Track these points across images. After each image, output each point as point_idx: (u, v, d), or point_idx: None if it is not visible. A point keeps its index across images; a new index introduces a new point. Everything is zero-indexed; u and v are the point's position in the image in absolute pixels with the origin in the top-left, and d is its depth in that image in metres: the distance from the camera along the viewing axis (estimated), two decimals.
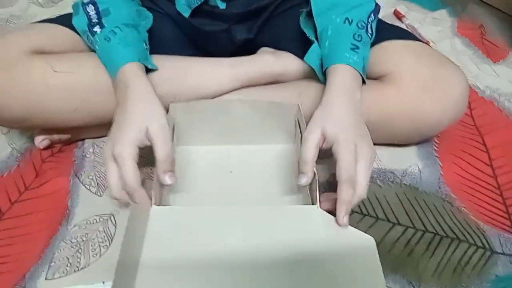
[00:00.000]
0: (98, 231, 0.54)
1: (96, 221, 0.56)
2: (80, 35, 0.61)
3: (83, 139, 0.69)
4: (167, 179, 0.49)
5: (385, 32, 0.62)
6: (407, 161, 0.64)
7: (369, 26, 0.57)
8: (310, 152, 0.48)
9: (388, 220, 0.56)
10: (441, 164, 0.63)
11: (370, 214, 0.56)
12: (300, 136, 0.56)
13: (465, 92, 0.58)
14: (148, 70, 0.58)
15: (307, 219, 0.46)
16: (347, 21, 0.56)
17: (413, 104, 0.57)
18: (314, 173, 0.48)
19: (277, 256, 0.43)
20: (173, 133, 0.58)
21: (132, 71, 0.54)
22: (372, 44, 0.59)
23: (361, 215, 0.56)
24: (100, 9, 0.57)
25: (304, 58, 0.60)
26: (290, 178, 0.58)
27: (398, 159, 0.64)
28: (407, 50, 0.60)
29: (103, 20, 0.57)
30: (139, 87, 0.53)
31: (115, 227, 0.55)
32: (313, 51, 0.59)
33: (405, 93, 0.57)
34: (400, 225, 0.55)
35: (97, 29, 0.56)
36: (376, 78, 0.61)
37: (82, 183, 0.61)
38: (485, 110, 0.74)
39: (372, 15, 0.58)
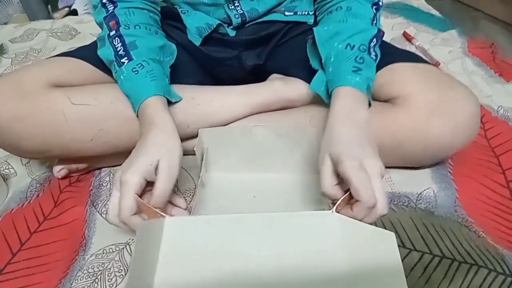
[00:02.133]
0: (114, 260, 0.55)
1: (112, 250, 0.56)
2: (99, 67, 0.64)
3: (100, 168, 0.71)
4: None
5: (393, 55, 0.63)
6: (421, 184, 0.63)
7: (371, 49, 0.58)
8: (328, 183, 0.47)
9: (404, 246, 0.55)
10: (456, 187, 0.62)
11: None
12: None
13: (475, 113, 0.58)
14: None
15: (324, 225, 0.45)
16: (348, 46, 0.57)
17: (422, 128, 0.57)
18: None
19: (293, 265, 0.42)
20: (202, 158, 0.62)
21: (157, 104, 0.56)
22: (380, 67, 0.60)
23: None
24: (126, 42, 0.59)
25: (310, 86, 0.61)
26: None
27: (412, 182, 0.63)
28: (415, 73, 0.61)
29: (132, 53, 0.59)
30: (162, 120, 0.55)
31: (131, 256, 0.55)
32: (318, 78, 0.60)
33: (414, 116, 0.57)
34: (416, 251, 0.54)
35: (125, 60, 0.58)
36: (386, 101, 0.61)
37: (98, 212, 0.62)
38: (499, 130, 0.73)
39: (374, 39, 0.58)
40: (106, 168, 0.70)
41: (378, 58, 0.59)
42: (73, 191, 0.66)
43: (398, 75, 0.61)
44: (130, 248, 0.57)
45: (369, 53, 0.57)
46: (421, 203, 0.60)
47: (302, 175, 0.64)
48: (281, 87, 0.68)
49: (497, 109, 0.78)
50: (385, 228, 0.56)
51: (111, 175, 0.69)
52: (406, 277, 0.50)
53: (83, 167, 0.69)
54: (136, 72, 0.58)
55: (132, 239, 0.57)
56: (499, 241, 0.55)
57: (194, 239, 0.45)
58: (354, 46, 0.57)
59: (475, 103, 0.58)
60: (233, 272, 0.42)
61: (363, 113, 0.53)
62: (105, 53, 0.61)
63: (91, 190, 0.67)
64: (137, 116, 0.58)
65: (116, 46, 0.59)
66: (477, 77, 0.88)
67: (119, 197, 0.48)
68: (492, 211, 0.59)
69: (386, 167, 0.63)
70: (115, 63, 0.59)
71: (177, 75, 0.66)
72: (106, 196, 0.65)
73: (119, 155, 0.66)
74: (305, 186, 0.63)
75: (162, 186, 0.49)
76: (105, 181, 0.68)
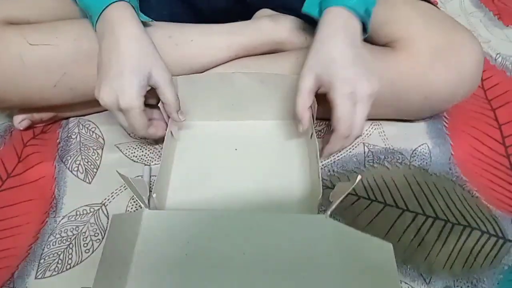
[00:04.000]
0: (89, 223, 0.51)
1: (87, 212, 0.52)
2: None
3: (68, 118, 0.64)
4: (181, 117, 0.53)
5: None
6: (416, 140, 0.60)
7: None
8: (304, 102, 0.49)
9: (397, 206, 0.53)
10: (451, 143, 0.60)
11: (378, 199, 0.53)
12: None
13: (480, 60, 0.54)
14: None
15: (315, 229, 0.41)
16: None
17: (425, 74, 0.53)
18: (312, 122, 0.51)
19: (281, 270, 0.38)
20: None
21: (123, 9, 0.48)
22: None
23: (368, 201, 0.53)
24: None
25: (302, 9, 0.53)
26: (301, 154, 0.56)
27: (406, 138, 0.60)
28: (417, 12, 0.55)
29: None
30: (133, 26, 0.48)
31: (108, 218, 0.51)
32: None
33: (417, 62, 0.53)
34: (409, 211, 0.52)
35: None
36: (384, 44, 0.56)
37: (68, 169, 0.57)
38: (497, 80, 0.69)
39: None
40: (74, 118, 0.63)
41: None
42: (38, 144, 0.60)
43: (398, 13, 0.55)
44: (106, 209, 0.52)
45: None
46: (415, 160, 0.58)
47: (284, 122, 0.60)
48: (269, 27, 0.60)
49: (495, 57, 0.74)
50: (378, 187, 0.55)
51: (80, 125, 0.62)
52: (400, 238, 0.50)
53: (48, 117, 0.62)
54: None
55: (108, 199, 0.53)
56: (493, 201, 0.54)
57: (174, 235, 0.40)
58: None
59: (479, 50, 0.54)
60: (215, 276, 0.38)
61: (358, 37, 0.48)
62: None
63: (59, 143, 0.60)
64: (95, 29, 0.50)
65: None
66: (476, 19, 0.83)
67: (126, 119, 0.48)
68: (487, 169, 0.57)
69: (381, 119, 0.61)
70: None
71: (147, 2, 0.57)
72: (76, 151, 0.59)
73: (87, 103, 0.60)
74: (287, 133, 0.59)
75: (172, 93, 0.50)
76: (74, 133, 0.61)
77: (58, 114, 0.62)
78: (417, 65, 0.53)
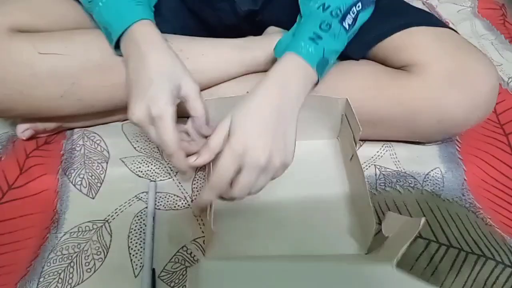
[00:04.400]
0: (92, 240, 0.49)
1: (89, 228, 0.50)
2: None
3: (72, 129, 0.62)
4: (209, 130, 0.47)
5: (408, 14, 0.57)
6: (428, 163, 0.59)
7: (348, 16, 0.49)
8: (212, 135, 0.45)
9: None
10: (464, 168, 0.59)
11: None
12: (346, 131, 0.54)
13: (495, 86, 0.53)
14: None
15: (382, 281, 0.39)
16: (321, 7, 0.48)
17: (439, 99, 0.52)
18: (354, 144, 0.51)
19: None
20: None
21: (147, 27, 0.48)
22: (396, 28, 0.54)
23: (380, 226, 0.52)
24: None
25: (274, 49, 0.53)
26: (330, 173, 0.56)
27: (418, 161, 0.59)
28: (434, 38, 0.55)
29: None
30: (159, 40, 0.47)
31: (111, 236, 0.49)
32: (282, 42, 0.52)
33: (431, 86, 0.52)
34: (422, 238, 0.51)
35: None
36: (400, 68, 0.55)
37: (72, 182, 0.55)
38: (510, 104, 0.68)
39: (359, 4, 0.50)
40: (79, 129, 0.62)
41: (355, 29, 0.51)
42: (42, 155, 0.58)
43: (415, 40, 0.54)
44: (109, 225, 0.50)
45: (342, 20, 0.48)
46: (427, 184, 0.56)
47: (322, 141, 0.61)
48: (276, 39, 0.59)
49: (507, 81, 0.73)
50: (389, 210, 0.53)
51: (85, 137, 0.61)
52: (412, 266, 0.48)
53: (53, 127, 0.60)
54: None
55: (111, 216, 0.51)
56: (506, 230, 0.52)
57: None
58: (328, 7, 0.48)
59: (495, 75, 0.53)
60: None
61: (298, 88, 0.46)
62: None
63: (63, 155, 0.59)
64: (116, 46, 0.49)
65: None
66: (487, 42, 0.82)
67: (158, 133, 0.44)
68: (500, 196, 0.56)
69: (393, 141, 0.60)
70: None
71: (159, 15, 0.56)
72: (80, 164, 0.57)
73: (95, 114, 0.59)
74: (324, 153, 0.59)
75: (201, 106, 0.47)
76: (78, 145, 0.60)
77: (63, 125, 0.61)
78: (431, 89, 0.52)
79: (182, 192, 0.54)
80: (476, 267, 0.48)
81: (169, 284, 0.45)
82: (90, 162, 0.57)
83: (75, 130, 0.62)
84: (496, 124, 0.65)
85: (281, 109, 0.44)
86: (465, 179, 0.57)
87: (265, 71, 0.59)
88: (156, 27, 0.49)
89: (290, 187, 0.53)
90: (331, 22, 0.48)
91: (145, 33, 0.47)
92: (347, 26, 0.49)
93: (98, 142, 0.60)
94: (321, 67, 0.48)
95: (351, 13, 0.49)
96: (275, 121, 0.43)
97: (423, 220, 0.40)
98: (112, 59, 0.51)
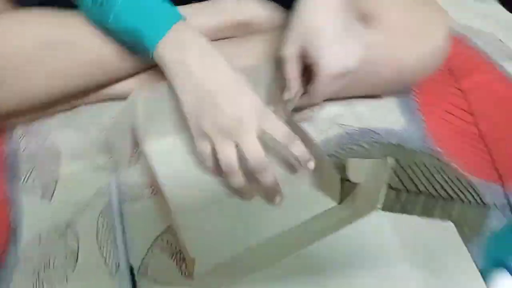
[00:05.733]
0: (58, 248, 0.45)
1: (52, 235, 0.46)
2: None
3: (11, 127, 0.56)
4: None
5: None
6: (389, 117, 0.60)
7: None
8: (292, 68, 0.46)
9: None
10: (423, 117, 0.60)
11: None
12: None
13: (448, 34, 0.54)
14: None
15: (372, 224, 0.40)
16: None
17: (396, 47, 0.52)
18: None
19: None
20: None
21: (190, 29, 0.44)
22: None
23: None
24: None
25: None
26: None
27: (379, 116, 0.60)
28: None
29: None
30: (211, 47, 0.44)
31: (77, 240, 0.46)
32: None
33: (388, 34, 0.52)
34: (392, 189, 0.52)
35: None
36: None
37: (22, 187, 0.50)
38: (457, 49, 0.70)
39: None
40: (18, 127, 0.56)
41: None
42: None
43: None
44: (74, 228, 0.47)
45: None
46: (391, 137, 0.57)
47: None
48: (233, 7, 0.56)
49: (453, 26, 0.74)
50: None
51: (28, 135, 0.55)
52: None
53: None
54: None
55: (74, 217, 0.47)
56: (469, 170, 0.55)
57: None
58: None
59: (448, 23, 0.54)
60: None
61: None
62: None
63: (6, 159, 0.53)
64: (152, 55, 0.44)
65: None
66: None
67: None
68: (459, 139, 0.58)
69: (351, 98, 0.60)
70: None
71: None
72: (28, 165, 0.52)
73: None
74: None
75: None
76: (21, 145, 0.54)
77: None
78: (387, 38, 0.52)
79: (145, 180, 0.51)
80: (446, 210, 0.50)
81: (149, 277, 0.43)
82: (39, 161, 0.52)
83: (14, 129, 0.56)
84: (446, 69, 0.67)
85: (341, 8, 0.44)
86: (425, 128, 0.59)
87: (219, 38, 0.57)
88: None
89: None
90: None
91: (196, 36, 0.43)
92: None
93: (44, 137, 0.55)
94: None
95: None
96: (345, 22, 0.45)
97: (391, 160, 0.41)
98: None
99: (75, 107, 0.57)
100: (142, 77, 0.54)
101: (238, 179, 0.44)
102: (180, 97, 0.43)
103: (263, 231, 0.44)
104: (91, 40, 0.48)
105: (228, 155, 0.42)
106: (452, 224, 0.40)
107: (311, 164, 0.44)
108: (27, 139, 0.55)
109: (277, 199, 0.46)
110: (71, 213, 0.48)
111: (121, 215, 0.47)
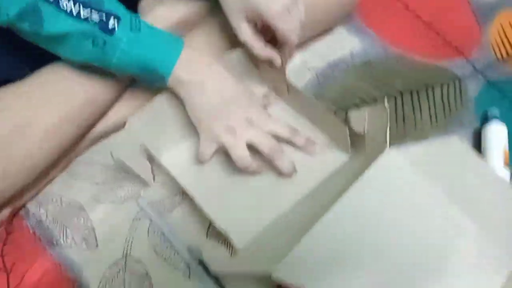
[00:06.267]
0: (128, 279, 0.47)
1: (116, 271, 0.48)
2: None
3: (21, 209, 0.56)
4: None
5: None
6: (346, 45, 0.65)
7: None
8: (259, 46, 0.47)
9: (365, 101, 0.58)
10: (374, 31, 0.66)
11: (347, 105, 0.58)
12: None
13: None
14: None
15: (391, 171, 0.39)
16: None
17: None
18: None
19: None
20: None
21: (191, 49, 0.48)
22: None
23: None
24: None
25: None
26: None
27: (336, 48, 0.65)
28: None
29: (107, 7, 0.42)
30: (214, 61, 0.49)
31: (142, 263, 0.48)
32: None
33: None
34: (378, 100, 0.58)
35: (113, 22, 0.42)
36: None
37: (66, 247, 0.51)
38: None
39: None
40: (29, 204, 0.56)
41: None
42: (15, 248, 0.52)
43: None
44: (131, 255, 0.49)
45: None
46: (356, 59, 0.63)
47: None
48: (161, 12, 0.56)
49: None
50: (343, 95, 0.59)
51: (42, 203, 0.55)
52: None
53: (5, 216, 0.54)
54: (138, 29, 0.44)
55: (127, 246, 0.50)
56: (429, 55, 0.61)
57: None
58: None
59: None
60: None
61: None
62: (58, 26, 0.41)
63: (35, 234, 0.53)
64: (167, 81, 0.47)
65: (73, 9, 0.41)
66: None
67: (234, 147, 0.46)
68: (411, 35, 0.65)
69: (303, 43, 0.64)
70: (99, 30, 0.42)
71: None
72: (58, 228, 0.53)
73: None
74: None
75: None
76: (41, 214, 0.55)
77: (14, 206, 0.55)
78: None
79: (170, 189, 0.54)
80: (430, 98, 0.57)
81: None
82: (67, 219, 0.53)
83: (26, 206, 0.56)
84: None
85: None
86: (379, 38, 0.65)
87: None
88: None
89: None
90: None
91: (200, 60, 0.47)
92: None
93: (58, 198, 0.56)
94: None
95: None
96: None
97: (386, 103, 0.44)
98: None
99: (67, 166, 0.57)
100: (124, 103, 0.56)
101: (253, 167, 0.48)
102: (193, 109, 0.48)
103: (286, 199, 0.48)
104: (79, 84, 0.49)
105: (242, 153, 0.47)
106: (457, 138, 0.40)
107: (294, 176, 0.49)
108: (44, 208, 0.55)
109: (294, 175, 0.50)
110: (122, 247, 0.50)
111: (167, 224, 0.50)
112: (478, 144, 0.50)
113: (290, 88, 0.53)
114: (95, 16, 0.42)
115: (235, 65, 0.53)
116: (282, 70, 0.52)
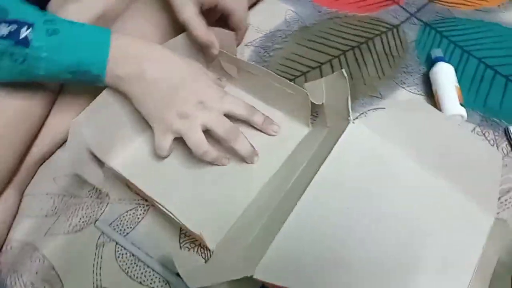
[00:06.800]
0: None
1: None
2: None
3: None
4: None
5: None
6: (278, 14, 0.62)
7: None
8: (201, 29, 0.46)
9: (312, 68, 0.56)
10: None
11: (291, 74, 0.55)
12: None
13: None
14: None
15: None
16: None
17: None
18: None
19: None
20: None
21: (121, 36, 0.42)
22: None
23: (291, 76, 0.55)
24: None
25: None
26: None
27: (271, 17, 0.62)
28: None
29: (20, 18, 0.37)
30: (152, 44, 0.44)
31: None
32: None
33: None
34: (323, 64, 0.56)
35: (25, 31, 0.37)
36: None
37: None
38: None
39: None
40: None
41: None
42: None
43: None
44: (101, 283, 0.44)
45: None
46: (294, 26, 0.61)
47: None
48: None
49: None
50: (286, 66, 0.57)
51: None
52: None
53: None
54: (56, 31, 0.38)
55: (96, 274, 0.45)
56: (364, 9, 0.60)
57: None
58: None
59: None
60: None
61: None
62: None
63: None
64: (104, 79, 0.42)
65: None
66: None
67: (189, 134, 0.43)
68: None
69: None
70: (12, 45, 0.37)
71: None
72: (15, 275, 0.47)
73: None
74: None
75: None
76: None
77: None
78: None
79: (134, 200, 0.50)
80: (372, 50, 0.56)
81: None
82: (18, 266, 0.48)
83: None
84: None
85: None
86: (310, 1, 0.63)
87: None
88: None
89: None
90: None
91: (135, 47, 0.43)
92: None
93: (9, 245, 0.50)
94: None
95: None
96: None
97: (343, 71, 0.41)
98: None
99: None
100: (57, 114, 0.51)
101: (212, 155, 0.45)
102: (140, 102, 0.43)
103: (253, 186, 0.45)
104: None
105: (198, 138, 0.43)
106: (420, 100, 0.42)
107: (256, 159, 0.46)
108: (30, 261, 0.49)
109: (255, 158, 0.47)
110: (91, 280, 0.45)
111: (132, 243, 0.46)
112: (429, 88, 0.50)
113: (239, 69, 0.50)
114: (3, 30, 0.36)
115: (180, 49, 0.49)
116: (231, 51, 0.49)
